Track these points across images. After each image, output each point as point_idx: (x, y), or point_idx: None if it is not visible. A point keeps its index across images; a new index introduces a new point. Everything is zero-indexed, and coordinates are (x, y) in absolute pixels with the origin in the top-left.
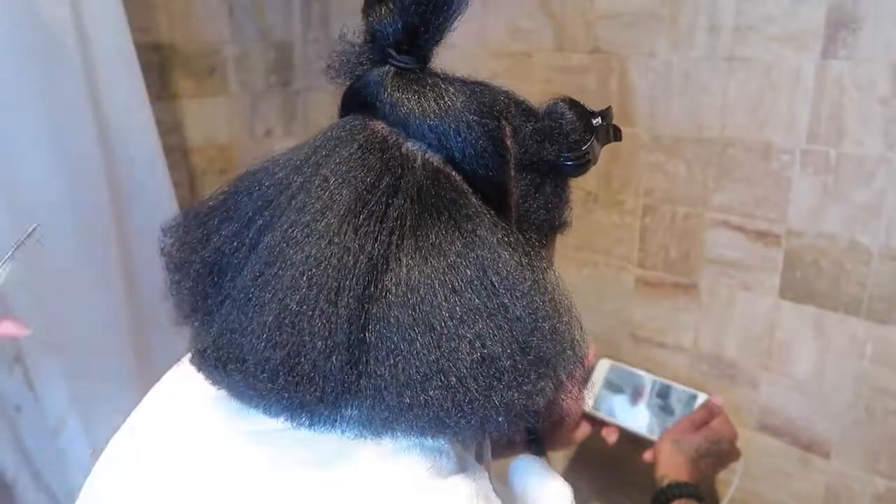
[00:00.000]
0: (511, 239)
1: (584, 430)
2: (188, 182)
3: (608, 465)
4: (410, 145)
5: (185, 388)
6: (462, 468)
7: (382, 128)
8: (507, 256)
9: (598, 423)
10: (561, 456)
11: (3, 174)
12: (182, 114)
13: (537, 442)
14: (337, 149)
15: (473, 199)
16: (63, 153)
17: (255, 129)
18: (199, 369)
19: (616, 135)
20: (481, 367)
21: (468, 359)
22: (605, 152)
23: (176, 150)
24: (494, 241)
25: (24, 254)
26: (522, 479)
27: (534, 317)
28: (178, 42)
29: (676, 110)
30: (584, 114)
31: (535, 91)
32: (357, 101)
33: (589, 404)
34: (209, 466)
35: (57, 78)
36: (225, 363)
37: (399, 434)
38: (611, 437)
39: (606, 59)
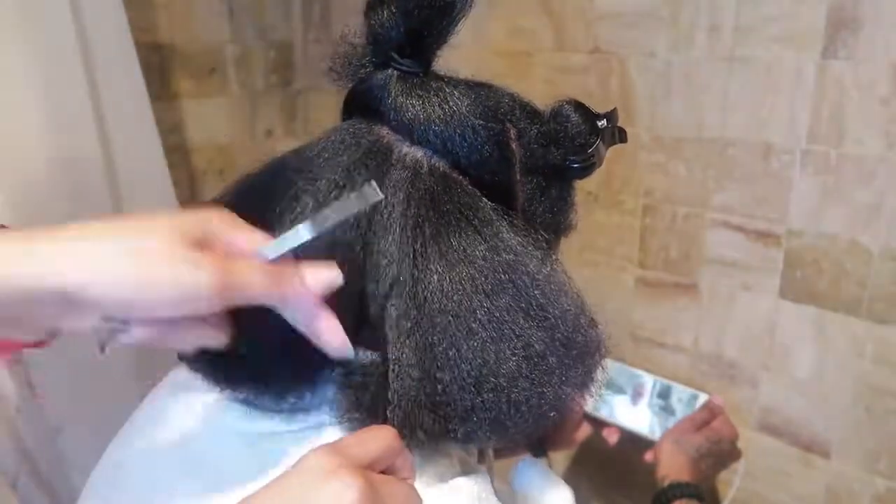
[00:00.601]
0: (530, 239)
1: (585, 430)
2: (188, 182)
3: (609, 466)
4: (416, 151)
5: (186, 390)
6: (464, 470)
7: (387, 133)
8: (530, 257)
9: (598, 424)
10: (562, 456)
11: (4, 174)
12: (182, 114)
13: (539, 443)
14: (341, 153)
15: (485, 202)
16: (63, 153)
17: (256, 129)
18: (204, 375)
19: (621, 137)
20: (528, 365)
21: (514, 359)
22: (606, 152)
23: (176, 150)
24: (515, 242)
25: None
26: (525, 483)
27: (571, 313)
28: (178, 42)
29: (677, 110)
30: (589, 116)
31: (535, 91)
32: (360, 105)
33: (591, 405)
34: (212, 467)
35: (57, 78)
36: (237, 376)
37: (459, 440)
38: (612, 437)
39: (606, 59)
